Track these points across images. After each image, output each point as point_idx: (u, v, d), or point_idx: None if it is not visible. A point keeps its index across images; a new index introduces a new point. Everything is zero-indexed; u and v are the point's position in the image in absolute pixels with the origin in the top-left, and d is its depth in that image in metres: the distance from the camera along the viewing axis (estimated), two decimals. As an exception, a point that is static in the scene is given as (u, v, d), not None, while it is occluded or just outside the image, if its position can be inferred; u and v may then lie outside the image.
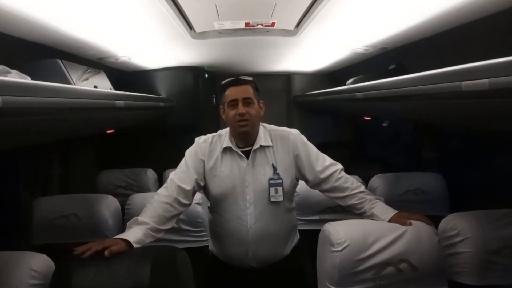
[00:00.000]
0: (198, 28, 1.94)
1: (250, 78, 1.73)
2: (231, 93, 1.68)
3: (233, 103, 1.67)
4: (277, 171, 1.70)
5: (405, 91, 1.25)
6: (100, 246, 1.32)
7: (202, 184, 1.71)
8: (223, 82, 1.72)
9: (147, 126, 3.10)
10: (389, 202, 1.75)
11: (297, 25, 1.91)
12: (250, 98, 1.67)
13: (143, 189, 2.89)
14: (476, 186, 2.44)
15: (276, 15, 1.71)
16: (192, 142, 1.79)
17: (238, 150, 1.71)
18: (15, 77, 1.43)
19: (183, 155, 1.77)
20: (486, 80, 0.90)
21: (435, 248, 1.40)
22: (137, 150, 3.63)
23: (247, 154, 1.71)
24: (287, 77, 4.38)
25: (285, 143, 1.74)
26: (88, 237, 1.80)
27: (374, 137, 3.97)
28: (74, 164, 3.01)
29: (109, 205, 2.08)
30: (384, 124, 3.66)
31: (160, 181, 3.09)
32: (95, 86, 2.01)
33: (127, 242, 1.39)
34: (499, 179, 2.28)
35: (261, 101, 1.75)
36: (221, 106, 1.76)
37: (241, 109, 1.64)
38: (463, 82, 0.98)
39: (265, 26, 1.90)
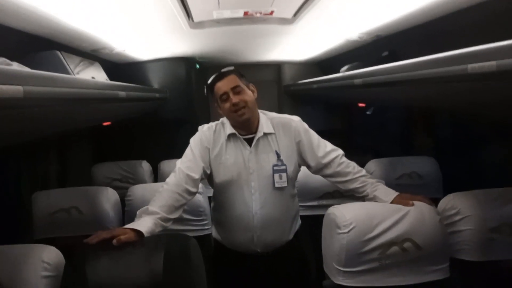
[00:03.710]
0: (196, 17, 1.93)
1: (231, 68, 1.74)
2: (219, 87, 1.69)
3: (225, 97, 1.68)
4: (281, 158, 1.73)
5: (411, 75, 1.28)
6: (109, 235, 1.33)
7: (208, 172, 1.73)
8: (208, 82, 1.74)
9: (140, 118, 3.08)
10: (386, 186, 1.79)
11: (295, 14, 1.92)
12: (238, 86, 1.69)
13: (138, 181, 2.88)
14: (467, 170, 2.52)
15: (276, 3, 1.72)
16: (185, 133, 1.81)
17: (242, 138, 1.73)
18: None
19: (177, 146, 1.78)
20: (493, 62, 0.93)
21: (437, 227, 1.45)
22: (131, 142, 3.60)
23: (249, 141, 1.73)
24: (277, 67, 4.39)
25: (287, 130, 1.76)
26: (90, 229, 1.79)
27: (367, 125, 4.02)
28: (70, 158, 2.97)
29: (109, 197, 2.08)
30: (368, 113, 3.71)
31: (155, 173, 3.09)
32: (92, 77, 1.99)
33: (136, 231, 1.40)
34: (490, 164, 2.35)
35: (251, 84, 1.77)
36: (215, 105, 1.77)
37: (234, 99, 1.66)
38: (470, 65, 1.01)
39: (264, 14, 1.90)
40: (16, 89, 0.79)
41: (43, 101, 0.92)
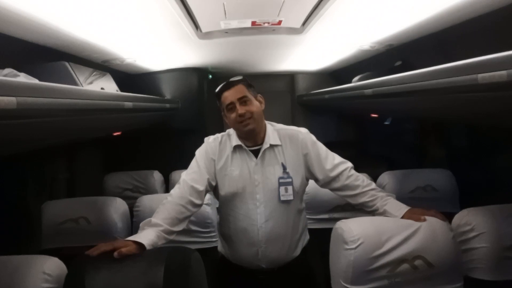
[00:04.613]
0: (204, 28, 1.93)
1: (239, 77, 1.71)
2: (225, 97, 1.67)
3: (231, 106, 1.66)
4: (287, 170, 1.69)
5: (419, 85, 1.24)
6: (110, 247, 1.32)
7: (213, 184, 1.71)
8: (216, 90, 1.72)
9: (152, 128, 3.10)
10: (399, 199, 1.73)
11: (304, 23, 1.90)
12: (245, 97, 1.66)
13: (150, 191, 2.89)
14: (485, 183, 2.43)
15: (283, 13, 1.70)
16: (197, 143, 1.79)
17: (248, 149, 1.70)
18: (23, 80, 1.42)
19: (189, 156, 1.76)
20: (504, 72, 0.88)
21: (450, 244, 1.39)
22: (143, 152, 3.63)
23: (256, 153, 1.70)
24: (290, 77, 4.37)
25: (294, 142, 1.73)
26: (97, 240, 1.78)
27: (380, 136, 3.95)
28: (81, 168, 3.00)
29: (117, 207, 2.08)
30: (386, 123, 3.64)
31: (167, 183, 3.09)
32: (102, 88, 2.00)
33: (138, 244, 1.38)
34: (508, 175, 2.26)
35: (259, 95, 1.74)
36: (222, 114, 1.75)
37: (240, 109, 1.64)
38: (480, 75, 0.97)
39: (272, 24, 1.89)
40: (9, 100, 0.78)
41: (39, 112, 0.91)
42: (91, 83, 2.01)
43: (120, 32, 1.83)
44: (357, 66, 3.07)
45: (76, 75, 1.72)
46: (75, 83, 1.69)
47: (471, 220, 1.44)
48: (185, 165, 1.76)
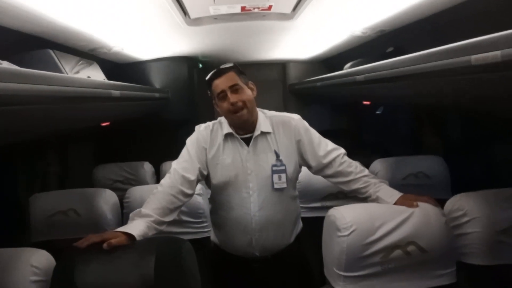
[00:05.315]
0: (193, 13, 1.88)
1: (230, 65, 1.67)
2: (217, 85, 1.64)
3: (222, 95, 1.63)
4: (280, 158, 1.67)
5: (411, 69, 1.22)
6: (99, 238, 1.29)
7: (205, 173, 1.68)
8: (207, 78, 1.69)
9: (142, 118, 3.06)
10: (391, 186, 1.72)
11: (294, 8, 1.86)
12: (237, 85, 1.63)
13: (140, 182, 2.86)
14: (477, 169, 2.44)
15: (273, -3, 1.67)
16: (188, 134, 1.75)
17: (239, 137, 1.68)
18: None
19: (179, 147, 1.73)
20: (498, 52, 0.86)
21: (443, 229, 1.38)
22: (133, 143, 3.59)
23: (248, 141, 1.68)
24: (282, 66, 4.33)
25: (287, 129, 1.71)
26: (88, 232, 1.75)
27: (373, 124, 3.94)
28: (71, 160, 2.96)
29: (107, 199, 2.05)
30: (378, 112, 3.63)
31: (158, 174, 3.06)
32: (88, 77, 1.96)
33: (128, 235, 1.35)
34: (501, 163, 2.27)
35: (250, 82, 1.71)
36: (214, 102, 1.72)
37: (232, 98, 1.60)
38: (473, 56, 0.95)
39: (262, 10, 1.85)
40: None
41: (15, 99, 0.87)
42: (77, 72, 1.96)
43: (106, 18, 1.78)
44: (349, 54, 3.04)
45: (61, 64, 1.68)
46: (60, 72, 1.65)
47: (464, 205, 1.43)
48: (176, 156, 1.73)
